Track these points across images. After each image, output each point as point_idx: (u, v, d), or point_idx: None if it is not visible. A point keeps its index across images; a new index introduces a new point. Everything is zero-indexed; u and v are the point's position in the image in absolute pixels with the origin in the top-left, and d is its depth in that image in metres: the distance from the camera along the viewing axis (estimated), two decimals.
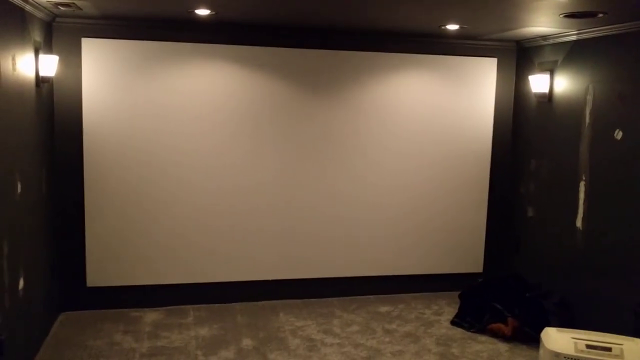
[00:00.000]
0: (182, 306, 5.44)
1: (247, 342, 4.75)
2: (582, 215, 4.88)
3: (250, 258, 5.55)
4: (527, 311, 4.91)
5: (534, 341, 4.52)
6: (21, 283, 3.98)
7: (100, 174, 5.15)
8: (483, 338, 4.96)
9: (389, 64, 5.64)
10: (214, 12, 4.52)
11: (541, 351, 3.77)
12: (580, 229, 4.89)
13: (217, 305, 5.50)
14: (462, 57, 5.77)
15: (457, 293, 5.62)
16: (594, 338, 3.61)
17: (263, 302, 5.61)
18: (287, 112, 5.49)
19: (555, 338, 3.66)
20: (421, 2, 3.92)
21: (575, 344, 3.57)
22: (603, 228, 4.65)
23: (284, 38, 5.39)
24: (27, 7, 4.10)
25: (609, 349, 3.52)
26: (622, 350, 3.51)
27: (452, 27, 4.91)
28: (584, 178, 4.87)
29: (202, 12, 4.50)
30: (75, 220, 5.17)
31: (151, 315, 5.24)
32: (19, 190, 3.97)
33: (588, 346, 3.55)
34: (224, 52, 5.30)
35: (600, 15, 4.08)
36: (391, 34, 5.43)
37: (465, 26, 4.88)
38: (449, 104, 5.81)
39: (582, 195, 4.89)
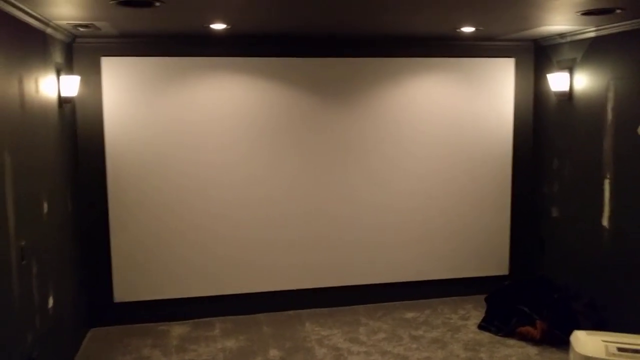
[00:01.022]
0: (208, 319, 5.47)
1: (273, 353, 4.75)
2: (608, 214, 4.81)
3: (274, 268, 5.57)
4: (556, 313, 4.84)
5: (564, 344, 4.45)
6: (50, 301, 4.05)
7: (124, 191, 5.22)
8: (512, 342, 4.90)
9: (405, 69, 5.63)
10: (229, 26, 4.56)
11: (571, 355, 3.71)
12: (607, 227, 4.82)
13: (242, 316, 5.52)
14: (479, 58, 5.74)
15: (483, 296, 5.57)
16: (625, 340, 3.54)
17: (288, 312, 5.62)
18: (305, 121, 5.51)
19: (585, 341, 3.60)
20: (437, 8, 3.91)
21: (606, 346, 3.51)
22: (630, 226, 4.56)
23: (298, 48, 5.42)
24: (48, 30, 4.19)
25: None
26: None
27: (468, 29, 4.88)
28: (608, 176, 4.80)
29: (218, 26, 4.54)
30: (101, 237, 5.24)
31: (178, 329, 5.28)
32: (46, 209, 4.04)
33: (619, 349, 3.48)
34: (240, 64, 5.34)
35: (618, 11, 4.02)
36: (407, 38, 5.42)
37: (481, 28, 4.85)
38: (468, 106, 5.78)
39: (607, 194, 4.81)
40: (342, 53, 5.51)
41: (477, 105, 5.79)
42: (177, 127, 5.27)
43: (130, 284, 5.31)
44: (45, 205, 4.04)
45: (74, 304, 4.77)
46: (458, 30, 4.93)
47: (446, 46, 5.64)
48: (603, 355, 3.49)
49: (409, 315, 5.53)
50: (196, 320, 5.45)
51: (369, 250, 5.74)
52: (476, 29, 4.90)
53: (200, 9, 3.86)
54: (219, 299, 5.51)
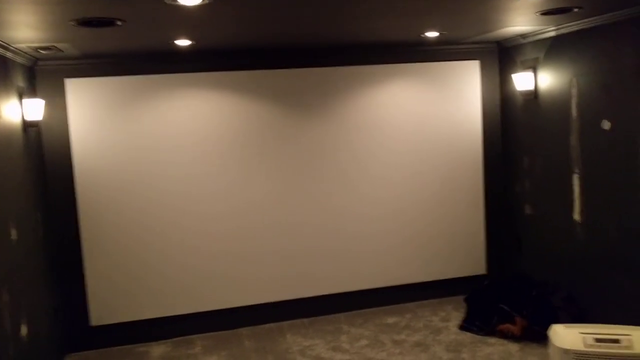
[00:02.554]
0: (188, 336, 5.40)
1: None
2: (579, 209, 4.88)
3: (252, 281, 5.53)
4: (535, 309, 4.89)
5: (545, 339, 4.48)
6: (24, 329, 3.96)
7: (95, 212, 5.14)
8: (493, 340, 4.94)
9: (373, 76, 5.67)
10: (193, 42, 4.54)
11: (550, 349, 3.75)
12: (579, 221, 4.89)
13: (223, 332, 5.47)
14: (444, 62, 5.81)
15: (463, 297, 5.61)
16: (602, 331, 3.59)
17: (269, 325, 5.58)
18: (276, 132, 5.50)
19: (563, 335, 3.64)
20: (399, 14, 3.95)
21: (584, 338, 3.55)
22: (601, 219, 4.65)
23: (265, 60, 5.42)
24: (8, 54, 4.12)
25: (618, 341, 3.50)
26: (631, 340, 3.49)
27: (432, 34, 4.94)
28: (577, 171, 4.88)
29: (182, 42, 4.52)
30: (74, 261, 5.14)
31: (158, 349, 5.20)
32: (14, 236, 3.95)
33: (597, 340, 3.53)
34: (207, 79, 5.32)
35: (576, 9, 4.11)
36: (373, 46, 5.46)
37: (445, 32, 4.91)
38: (436, 110, 5.83)
39: (577, 189, 4.89)
40: (309, 63, 5.52)
41: (446, 108, 5.85)
42: (146, 145, 5.22)
43: (106, 306, 5.22)
44: (14, 232, 3.95)
45: (49, 330, 4.67)
46: (423, 35, 4.98)
47: (412, 52, 5.70)
48: (581, 347, 3.54)
49: (390, 320, 5.53)
50: (176, 339, 5.38)
51: (346, 258, 5.74)
52: (440, 34, 4.96)
53: (162, 26, 3.84)
54: (199, 316, 5.44)
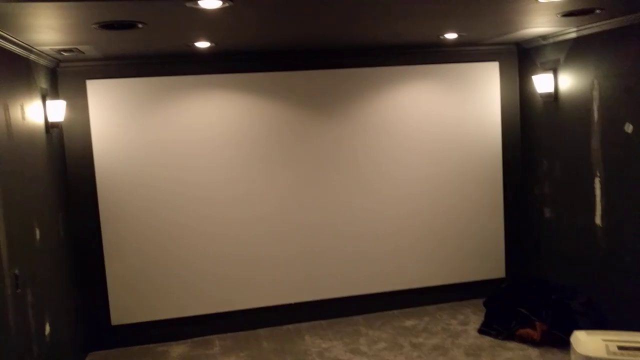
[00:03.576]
0: (207, 337, 5.44)
1: None
2: (600, 212, 4.83)
3: (271, 283, 5.55)
4: (555, 314, 4.84)
5: (565, 344, 4.46)
6: (47, 328, 4.01)
7: (116, 213, 5.19)
8: (512, 344, 4.90)
9: (392, 77, 5.65)
10: (213, 44, 4.57)
11: (572, 355, 3.71)
12: (600, 226, 4.83)
13: (241, 332, 5.49)
14: (463, 63, 5.78)
15: (481, 300, 5.57)
16: (625, 338, 3.55)
17: (288, 326, 5.59)
18: (295, 135, 5.51)
19: (585, 341, 3.60)
20: (420, 15, 3.94)
21: (607, 345, 3.51)
22: (623, 223, 4.59)
23: (285, 62, 5.43)
24: (32, 57, 4.18)
25: None
26: None
27: (451, 35, 4.92)
28: (598, 174, 4.82)
29: (202, 44, 4.55)
30: (95, 261, 5.20)
31: (177, 349, 5.24)
32: (38, 236, 4.01)
33: (620, 347, 3.49)
34: (227, 81, 5.34)
35: (598, 11, 4.07)
36: (391, 47, 5.45)
37: (464, 34, 4.88)
38: (455, 111, 5.80)
39: (598, 192, 4.84)
40: (328, 65, 5.53)
41: (464, 110, 5.82)
42: (166, 146, 5.26)
43: (127, 306, 5.27)
44: (38, 232, 4.01)
45: (71, 329, 4.73)
46: (441, 37, 4.96)
47: (431, 53, 5.68)
48: (604, 355, 3.49)
49: (409, 323, 5.51)
50: (195, 339, 5.41)
51: (366, 260, 5.73)
52: (459, 35, 4.93)
53: (183, 28, 3.87)
54: (218, 317, 5.47)
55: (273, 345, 5.18)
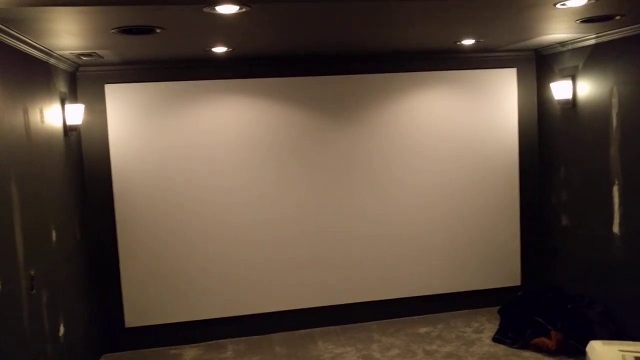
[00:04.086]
0: (220, 340, 5.45)
1: None
2: (618, 221, 4.76)
3: (285, 287, 5.55)
4: (571, 323, 4.79)
5: (580, 354, 4.40)
6: (61, 329, 4.05)
7: (131, 217, 5.23)
8: (527, 354, 4.84)
9: (408, 84, 5.64)
10: (230, 49, 4.60)
11: None
12: (618, 234, 4.77)
13: (254, 337, 5.50)
14: (480, 70, 5.74)
15: (496, 308, 5.53)
16: None
17: (300, 331, 5.59)
18: (311, 140, 5.52)
19: (601, 351, 3.55)
20: (437, 21, 3.93)
21: (623, 356, 3.45)
22: None
23: (301, 67, 5.45)
24: (51, 61, 4.24)
25: None
26: None
27: (468, 42, 4.89)
28: (617, 182, 4.76)
29: (219, 49, 4.58)
30: (110, 263, 5.25)
31: (190, 352, 5.25)
32: (55, 238, 4.05)
33: (637, 358, 3.43)
34: (244, 86, 5.37)
35: (618, 17, 4.02)
36: (407, 53, 5.44)
37: (481, 40, 4.86)
38: (472, 118, 5.77)
39: (616, 200, 4.78)
40: (344, 70, 5.53)
41: (481, 116, 5.78)
42: (183, 151, 5.29)
43: (141, 308, 5.31)
44: (54, 234, 4.05)
45: (85, 331, 4.77)
46: (458, 43, 4.94)
47: (447, 59, 5.65)
48: None
49: (422, 330, 5.48)
50: (208, 342, 5.42)
51: (380, 266, 5.71)
52: (476, 41, 4.91)
53: (200, 34, 3.89)
54: (231, 321, 5.48)
55: (286, 350, 5.17)
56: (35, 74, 3.94)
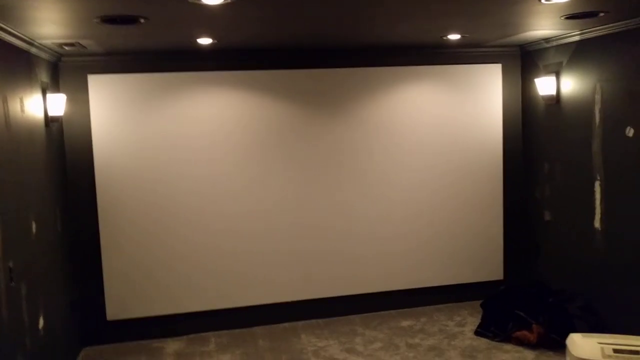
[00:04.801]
0: (203, 334, 5.43)
1: None
2: (600, 216, 4.82)
3: (268, 281, 5.54)
4: (552, 317, 4.83)
5: (561, 347, 4.45)
6: (41, 322, 4.00)
7: (114, 208, 5.18)
8: (508, 347, 4.89)
9: (394, 78, 5.64)
10: (215, 41, 4.56)
11: (568, 358, 3.70)
12: (599, 229, 4.82)
13: (237, 330, 5.48)
14: (466, 65, 5.76)
15: (479, 302, 5.56)
16: (620, 342, 3.54)
17: (284, 324, 5.58)
18: (295, 133, 5.50)
19: (581, 344, 3.59)
20: (423, 15, 3.93)
21: (602, 349, 3.51)
22: (622, 227, 4.58)
23: (286, 60, 5.42)
24: (33, 50, 4.17)
25: (637, 352, 3.45)
26: None
27: (454, 36, 4.90)
28: (598, 178, 4.81)
29: (204, 41, 4.54)
30: (92, 256, 5.19)
31: (173, 345, 5.23)
32: (34, 230, 4.00)
33: (615, 350, 3.48)
34: (227, 78, 5.33)
35: (602, 14, 4.05)
36: (393, 47, 5.44)
37: (467, 35, 4.87)
38: (457, 113, 5.79)
39: (598, 196, 4.83)
40: (330, 64, 5.52)
41: (466, 111, 5.80)
42: (166, 142, 5.25)
43: (123, 301, 5.27)
44: (34, 226, 4.00)
45: (66, 323, 4.72)
46: (444, 37, 4.95)
47: (433, 54, 5.66)
48: (599, 357, 3.49)
49: (405, 323, 5.50)
50: (191, 335, 5.40)
51: (363, 259, 5.72)
52: (462, 36, 4.92)
53: (185, 24, 3.85)
54: (214, 314, 5.46)
55: (269, 344, 5.17)
56: (16, 63, 3.87)
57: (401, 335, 5.24)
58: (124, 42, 4.45)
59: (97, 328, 5.24)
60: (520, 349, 4.84)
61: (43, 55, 4.44)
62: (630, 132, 4.41)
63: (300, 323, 5.60)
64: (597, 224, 4.85)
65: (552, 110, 5.41)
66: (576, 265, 5.16)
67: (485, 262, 5.98)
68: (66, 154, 5.07)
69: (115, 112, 5.13)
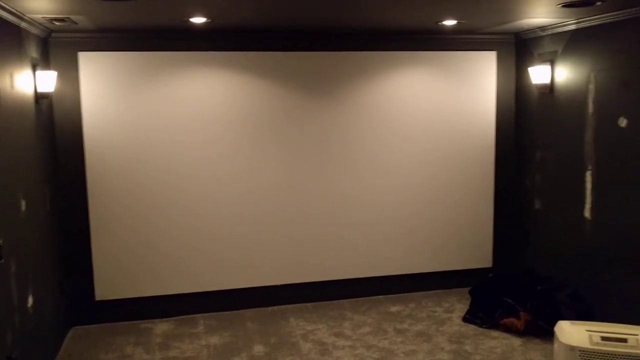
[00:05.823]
0: (192, 315, 5.42)
1: (258, 349, 4.73)
2: (590, 205, 4.84)
3: (258, 264, 5.53)
4: (540, 304, 4.87)
5: (548, 334, 4.49)
6: (30, 300, 3.97)
7: (104, 188, 5.14)
8: (496, 333, 4.93)
9: (388, 63, 5.61)
10: (209, 20, 4.50)
11: (556, 345, 3.73)
12: (589, 218, 4.85)
13: (226, 312, 5.48)
14: (461, 52, 5.74)
15: (467, 289, 5.59)
16: (608, 329, 3.57)
17: (273, 308, 5.59)
18: (288, 116, 5.47)
19: (569, 331, 3.62)
20: (417, 0, 3.89)
21: (590, 336, 3.53)
22: (612, 217, 4.60)
23: (280, 42, 5.37)
24: (23, 24, 4.09)
25: (625, 340, 3.48)
26: (638, 340, 3.47)
27: (449, 22, 4.87)
28: (589, 167, 4.83)
29: (198, 20, 4.48)
30: (82, 235, 5.16)
31: (161, 326, 5.22)
32: (24, 208, 3.96)
33: (603, 338, 3.51)
34: (221, 58, 5.28)
35: (599, 3, 4.04)
36: (388, 32, 5.40)
37: (463, 21, 4.84)
38: (450, 100, 5.78)
39: (588, 185, 4.85)
40: (325, 47, 5.47)
41: (460, 98, 5.79)
42: (157, 123, 5.20)
43: (112, 281, 5.24)
44: (23, 204, 3.95)
45: (55, 302, 4.69)
46: (440, 23, 4.92)
47: (428, 40, 5.63)
48: (587, 345, 3.52)
49: (394, 309, 5.53)
50: (180, 317, 5.40)
51: (353, 244, 5.73)
52: (458, 23, 4.89)
53: (178, 2, 3.79)
54: (203, 296, 5.46)
55: (257, 326, 5.17)
56: (5, 37, 3.79)
57: (390, 320, 5.26)
58: (115, 19, 4.38)
59: (85, 308, 5.22)
60: (507, 335, 4.88)
61: (33, 30, 4.36)
62: (623, 122, 4.42)
63: (290, 306, 5.61)
64: (587, 213, 4.87)
65: (545, 98, 5.41)
66: (565, 254, 5.20)
67: (475, 250, 6.00)
68: (56, 133, 5.01)
69: (106, 90, 5.07)
